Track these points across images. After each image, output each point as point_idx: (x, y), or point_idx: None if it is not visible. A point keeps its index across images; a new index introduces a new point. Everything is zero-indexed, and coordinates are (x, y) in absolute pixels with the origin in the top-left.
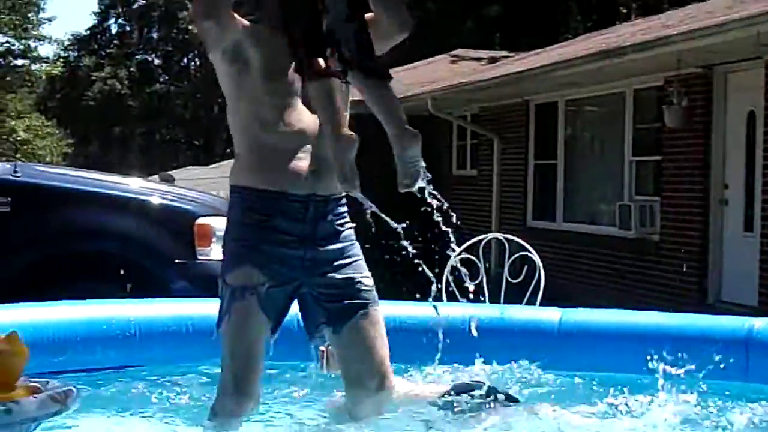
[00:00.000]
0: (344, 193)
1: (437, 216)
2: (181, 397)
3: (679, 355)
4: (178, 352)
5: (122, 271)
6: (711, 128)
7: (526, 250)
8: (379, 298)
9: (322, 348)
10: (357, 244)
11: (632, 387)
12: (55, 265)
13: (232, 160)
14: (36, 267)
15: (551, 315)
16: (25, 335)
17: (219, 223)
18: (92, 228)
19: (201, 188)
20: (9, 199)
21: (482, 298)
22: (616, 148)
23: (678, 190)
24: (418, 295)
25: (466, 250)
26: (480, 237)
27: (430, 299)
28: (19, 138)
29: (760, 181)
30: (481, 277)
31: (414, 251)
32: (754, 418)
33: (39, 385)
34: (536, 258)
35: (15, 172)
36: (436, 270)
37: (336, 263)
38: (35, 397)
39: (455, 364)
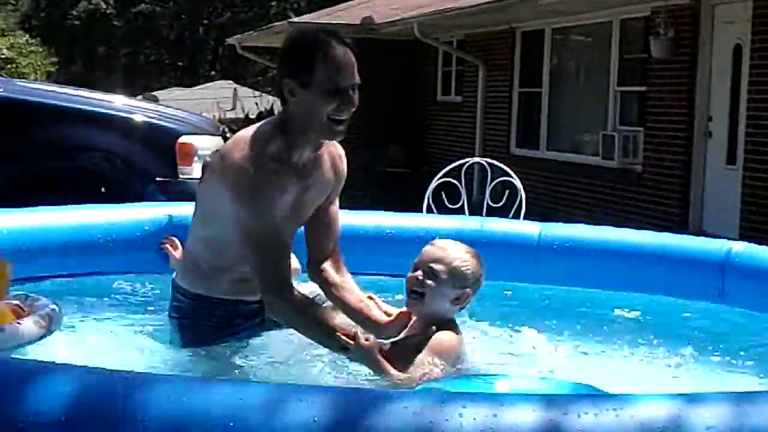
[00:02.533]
0: None
1: None
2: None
3: (656, 274)
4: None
5: (103, 188)
6: (697, 60)
7: (508, 175)
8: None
9: None
10: None
11: (609, 303)
12: (36, 181)
13: (216, 82)
14: (16, 182)
15: (531, 228)
16: (3, 241)
17: (201, 142)
18: (74, 144)
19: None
20: None
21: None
22: (602, 77)
23: (662, 122)
24: None
25: (448, 174)
26: (462, 161)
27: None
28: (3, 56)
29: (744, 114)
30: (462, 200)
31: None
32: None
33: (21, 305)
34: (517, 182)
35: None
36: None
37: None
38: (19, 323)
39: None
